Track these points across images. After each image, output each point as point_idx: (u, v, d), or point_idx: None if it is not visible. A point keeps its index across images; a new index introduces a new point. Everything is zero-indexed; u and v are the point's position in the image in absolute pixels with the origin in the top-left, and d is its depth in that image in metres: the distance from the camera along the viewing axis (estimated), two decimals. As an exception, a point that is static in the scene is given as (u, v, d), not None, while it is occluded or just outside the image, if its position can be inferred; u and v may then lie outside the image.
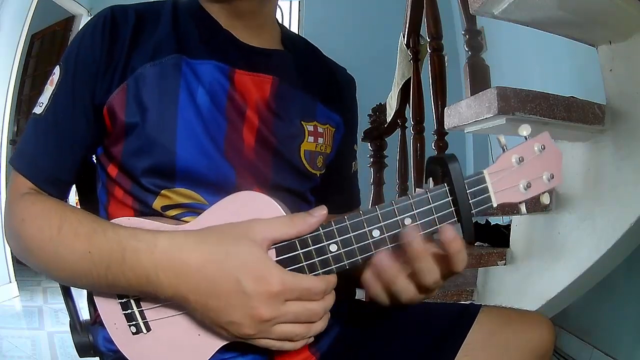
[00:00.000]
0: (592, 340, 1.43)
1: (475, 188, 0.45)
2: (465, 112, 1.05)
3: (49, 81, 0.55)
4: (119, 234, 0.45)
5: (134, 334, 0.49)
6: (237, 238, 0.44)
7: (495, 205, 0.45)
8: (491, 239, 1.36)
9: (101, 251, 0.45)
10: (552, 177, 0.47)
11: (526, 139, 0.46)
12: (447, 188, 0.45)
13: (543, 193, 0.47)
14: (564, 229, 1.10)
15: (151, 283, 0.44)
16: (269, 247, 0.45)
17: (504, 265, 1.28)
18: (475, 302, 1.36)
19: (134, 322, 0.49)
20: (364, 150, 2.02)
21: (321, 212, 0.46)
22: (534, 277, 1.18)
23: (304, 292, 0.43)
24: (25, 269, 2.69)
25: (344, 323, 0.65)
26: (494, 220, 1.49)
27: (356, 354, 0.61)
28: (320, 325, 0.46)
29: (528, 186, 0.46)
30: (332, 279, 0.46)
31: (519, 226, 1.28)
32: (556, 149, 0.47)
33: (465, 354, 0.57)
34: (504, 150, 0.46)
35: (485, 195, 0.45)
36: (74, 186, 0.61)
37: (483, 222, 1.45)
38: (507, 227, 1.35)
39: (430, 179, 0.48)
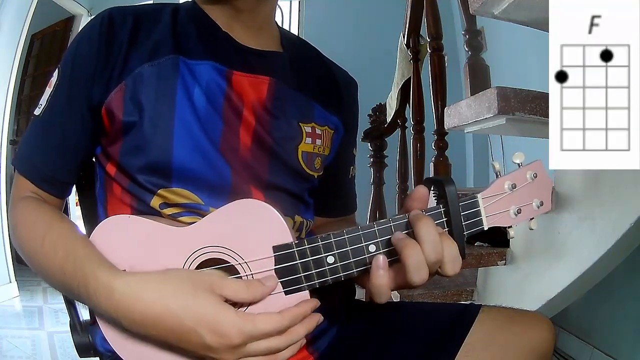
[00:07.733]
0: (592, 340, 1.43)
1: (469, 211, 0.47)
2: (465, 112, 1.05)
3: (48, 83, 0.56)
4: (84, 267, 0.45)
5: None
6: (195, 289, 0.43)
7: (486, 228, 0.48)
8: (491, 239, 1.36)
9: (72, 278, 0.46)
10: (542, 205, 0.49)
11: (519, 166, 0.48)
12: (442, 210, 0.46)
13: (532, 219, 0.49)
14: (564, 229, 1.10)
15: (116, 322, 0.45)
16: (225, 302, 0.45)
17: (504, 265, 1.28)
18: (475, 302, 1.36)
19: None
20: (364, 150, 2.02)
21: (271, 283, 0.45)
22: (534, 277, 1.18)
23: (264, 334, 0.44)
24: (25, 269, 2.68)
25: (342, 323, 0.65)
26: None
27: (355, 355, 0.61)
28: (287, 354, 0.46)
29: (518, 212, 0.48)
30: (301, 310, 0.46)
31: (519, 226, 1.28)
32: (547, 177, 0.49)
33: (465, 354, 0.57)
34: (497, 176, 0.48)
35: (478, 218, 0.47)
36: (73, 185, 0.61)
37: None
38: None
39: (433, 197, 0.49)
